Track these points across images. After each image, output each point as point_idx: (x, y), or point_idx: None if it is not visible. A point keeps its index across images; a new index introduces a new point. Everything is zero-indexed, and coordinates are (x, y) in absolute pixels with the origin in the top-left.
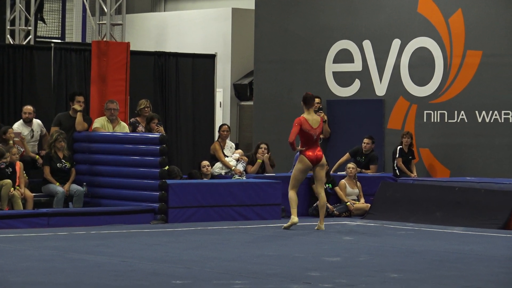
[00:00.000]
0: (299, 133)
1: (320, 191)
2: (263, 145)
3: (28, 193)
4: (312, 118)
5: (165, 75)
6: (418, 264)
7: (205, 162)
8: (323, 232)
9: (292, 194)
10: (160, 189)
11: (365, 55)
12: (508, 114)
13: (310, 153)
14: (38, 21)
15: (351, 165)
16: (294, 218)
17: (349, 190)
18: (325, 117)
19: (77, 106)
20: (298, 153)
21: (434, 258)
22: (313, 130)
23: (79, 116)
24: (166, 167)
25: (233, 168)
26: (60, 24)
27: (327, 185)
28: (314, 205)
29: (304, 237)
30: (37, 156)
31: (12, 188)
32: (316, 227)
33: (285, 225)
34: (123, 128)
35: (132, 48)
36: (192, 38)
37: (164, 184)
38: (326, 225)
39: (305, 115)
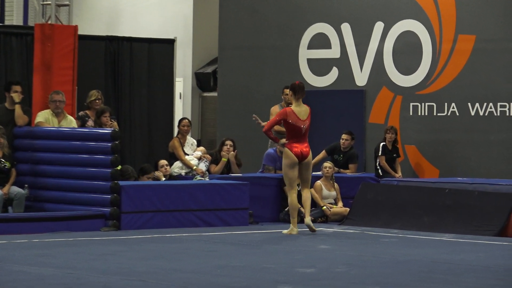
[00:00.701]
0: (285, 126)
1: (304, 190)
2: (228, 142)
3: None
4: (301, 109)
5: (118, 63)
6: (402, 276)
7: (163, 162)
8: (295, 239)
9: (292, 199)
10: (112, 191)
11: (344, 40)
12: (504, 106)
13: (296, 148)
14: None
15: (327, 164)
16: (293, 229)
17: (325, 193)
18: None
19: (15, 97)
20: (269, 150)
21: (420, 269)
22: (301, 122)
23: (18, 109)
24: (119, 167)
25: (195, 167)
26: None
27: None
28: (286, 209)
29: (274, 245)
30: None
31: None
32: (305, 222)
33: (284, 231)
34: (70, 122)
35: (80, 32)
36: (148, 21)
37: (116, 186)
38: (299, 232)
39: (293, 107)
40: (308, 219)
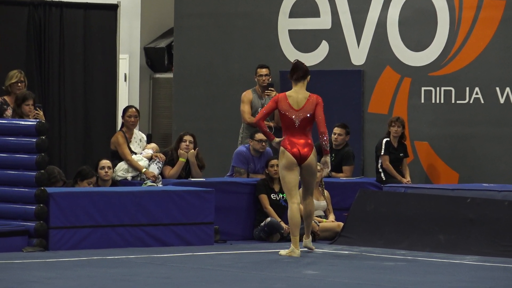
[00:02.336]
0: (280, 116)
1: (307, 200)
2: (187, 137)
3: None
4: (297, 96)
5: (44, 35)
6: None
7: (106, 162)
8: (274, 263)
9: (291, 211)
10: (38, 201)
11: (336, 7)
12: None
13: (293, 146)
14: None
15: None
16: (294, 250)
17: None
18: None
19: None
20: (240, 147)
21: None
22: (293, 112)
23: None
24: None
25: (144, 170)
26: None
27: (281, 195)
28: (262, 224)
29: (247, 270)
30: None
31: None
32: (303, 244)
33: (282, 252)
34: None
35: None
36: None
37: (43, 193)
38: (277, 255)
39: (288, 91)
40: (308, 240)
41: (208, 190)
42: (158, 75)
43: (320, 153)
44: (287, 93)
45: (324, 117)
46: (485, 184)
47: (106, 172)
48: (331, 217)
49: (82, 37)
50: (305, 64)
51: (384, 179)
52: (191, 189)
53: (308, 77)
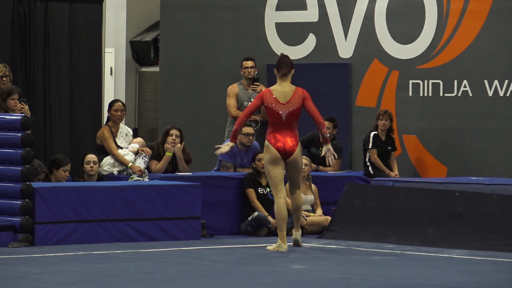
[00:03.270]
0: (267, 111)
1: (294, 194)
2: (173, 131)
3: None
4: (283, 89)
5: (29, 29)
6: None
7: (91, 157)
8: (262, 257)
9: (278, 206)
10: (23, 196)
11: (323, 0)
12: None
13: (279, 141)
14: None
15: (303, 160)
16: (281, 244)
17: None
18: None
19: None
20: (227, 142)
21: None
22: (279, 106)
23: None
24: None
25: (130, 164)
26: None
27: (268, 189)
28: (249, 218)
29: (234, 265)
30: None
31: None
32: (292, 237)
33: (269, 247)
34: None
35: None
36: None
37: (28, 188)
38: (264, 250)
39: (273, 86)
40: (297, 233)
41: (195, 185)
42: (144, 69)
43: (307, 145)
44: (272, 88)
45: (316, 108)
46: (473, 178)
47: (91, 167)
48: (319, 211)
49: (67, 31)
50: (289, 57)
51: (372, 172)
52: (177, 183)
53: (293, 71)
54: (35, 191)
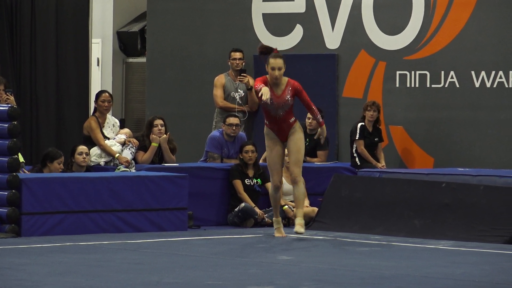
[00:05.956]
0: (262, 104)
1: (294, 173)
2: (158, 121)
3: None
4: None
5: (16, 19)
6: None
7: (83, 148)
8: (248, 248)
9: (270, 191)
10: (10, 186)
11: None
12: None
13: (274, 126)
14: None
15: None
16: (279, 229)
17: (286, 188)
18: (251, 83)
19: None
20: (214, 132)
21: (410, 286)
22: (274, 98)
23: None
24: (19, 155)
25: (117, 155)
26: None
27: (255, 181)
28: (236, 209)
29: (221, 256)
30: None
31: None
32: (294, 229)
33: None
34: None
35: None
36: None
37: (15, 179)
38: (253, 239)
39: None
40: (300, 226)
41: (182, 176)
42: (131, 60)
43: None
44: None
45: (309, 98)
46: (460, 169)
47: (84, 158)
48: (306, 202)
49: (54, 21)
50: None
51: (359, 163)
52: (164, 174)
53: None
54: (21, 181)
